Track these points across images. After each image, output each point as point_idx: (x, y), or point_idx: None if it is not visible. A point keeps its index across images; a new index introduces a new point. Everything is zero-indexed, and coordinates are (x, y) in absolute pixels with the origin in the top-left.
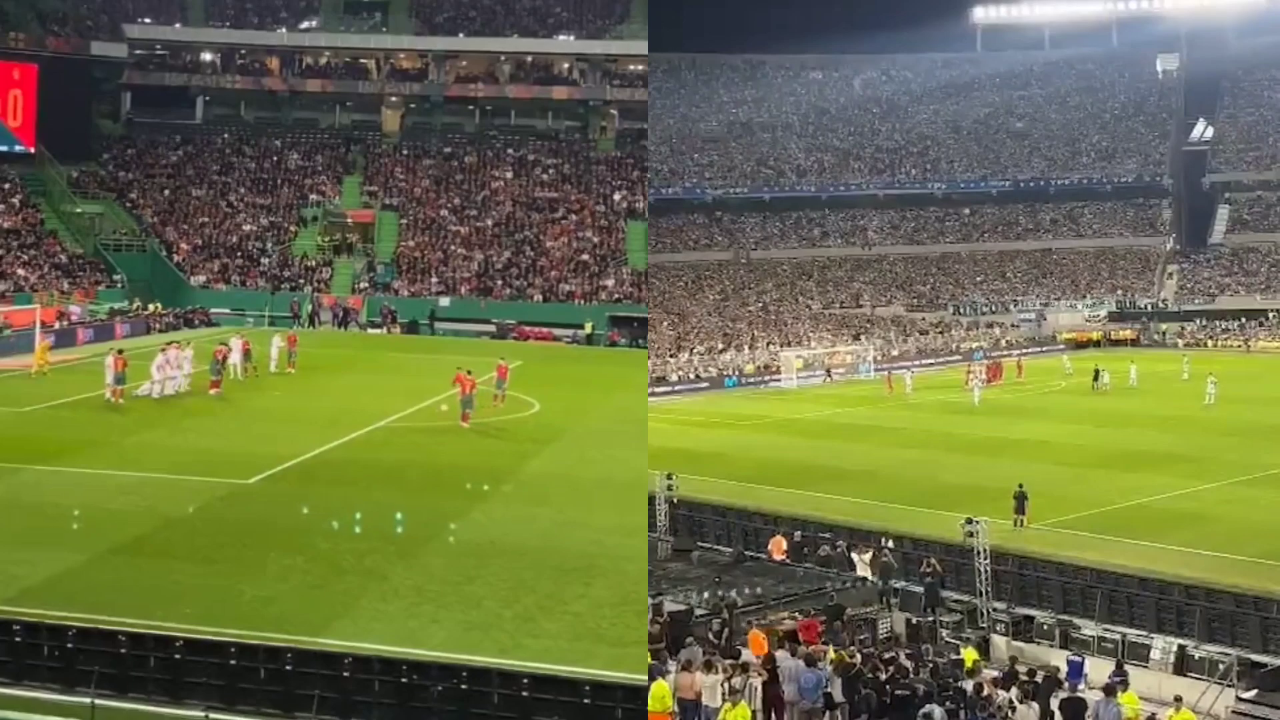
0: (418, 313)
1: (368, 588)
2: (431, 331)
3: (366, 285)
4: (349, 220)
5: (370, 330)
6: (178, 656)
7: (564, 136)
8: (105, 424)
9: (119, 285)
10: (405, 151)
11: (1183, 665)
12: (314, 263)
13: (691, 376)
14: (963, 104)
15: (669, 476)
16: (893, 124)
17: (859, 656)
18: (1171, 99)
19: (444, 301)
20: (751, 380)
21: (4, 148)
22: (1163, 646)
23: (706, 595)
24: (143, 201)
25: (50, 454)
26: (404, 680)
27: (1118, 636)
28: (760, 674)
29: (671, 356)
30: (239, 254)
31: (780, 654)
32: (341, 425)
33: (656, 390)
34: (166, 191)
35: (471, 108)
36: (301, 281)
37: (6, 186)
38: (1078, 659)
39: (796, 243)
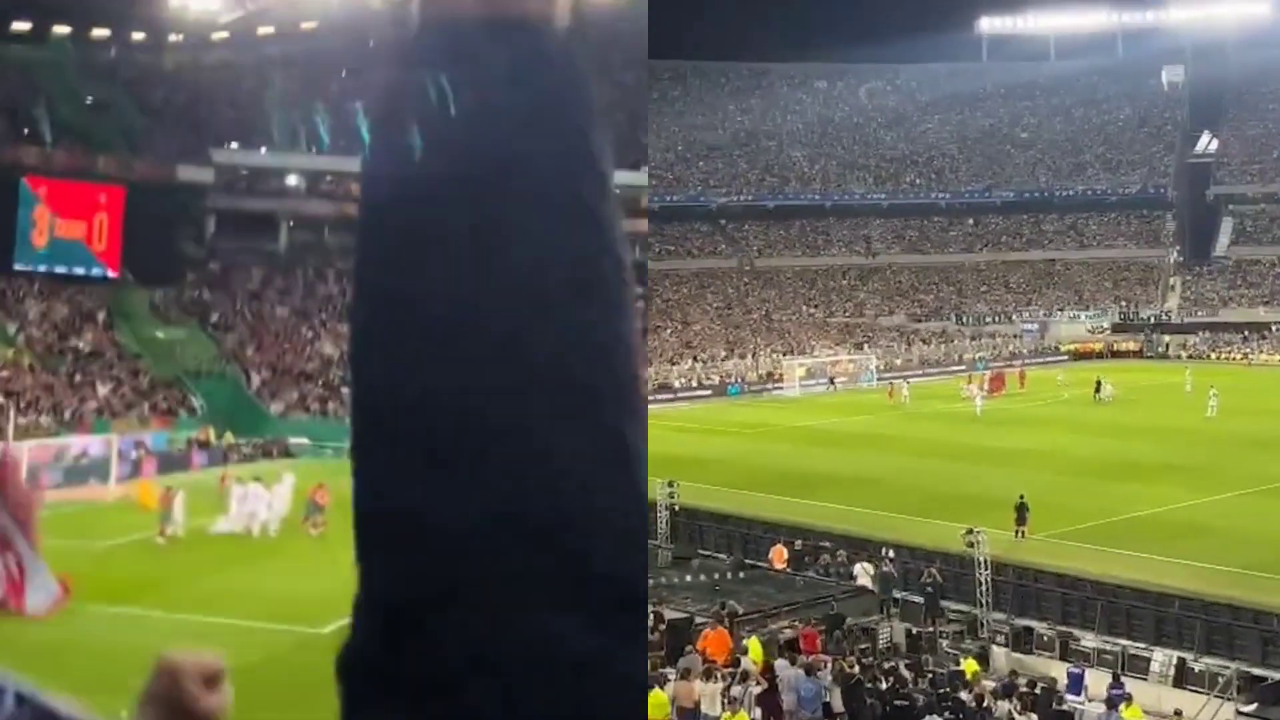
0: None
1: None
2: None
3: None
4: None
5: None
6: None
7: None
8: (178, 562)
9: (197, 412)
10: None
11: (1182, 678)
12: None
13: (694, 384)
14: (967, 114)
15: (670, 484)
16: (897, 133)
17: (858, 666)
18: (1176, 111)
19: None
20: (754, 388)
21: (89, 271)
22: (1162, 659)
23: (706, 604)
24: (224, 327)
25: (117, 593)
26: None
27: (1117, 649)
28: (760, 683)
29: (674, 364)
30: (319, 382)
31: (780, 663)
32: None
33: (659, 397)
34: (248, 316)
35: None
36: None
37: (89, 308)
38: (1077, 671)
39: (800, 251)
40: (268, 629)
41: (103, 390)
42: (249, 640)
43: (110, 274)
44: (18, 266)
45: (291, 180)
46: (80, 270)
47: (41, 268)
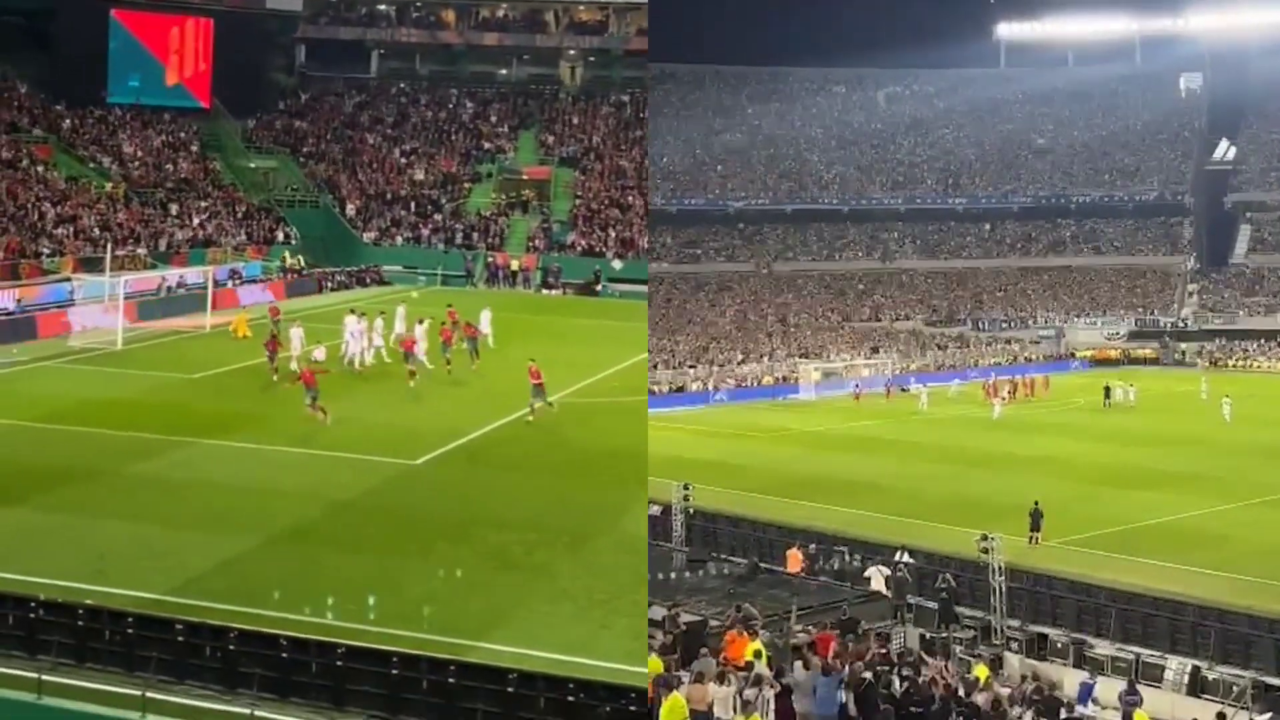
0: (588, 273)
1: (535, 587)
2: (602, 293)
3: (540, 243)
4: (524, 176)
5: (544, 291)
6: (340, 664)
7: None
8: (276, 395)
9: (291, 241)
10: (583, 106)
11: (1197, 686)
12: (487, 219)
13: (711, 387)
14: (986, 120)
15: (685, 487)
16: (915, 139)
17: (872, 671)
18: (1194, 118)
19: (616, 264)
20: (770, 391)
21: (181, 102)
22: (1177, 667)
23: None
24: (316, 156)
25: (218, 426)
26: (570, 699)
27: (1131, 656)
28: (774, 686)
29: (691, 367)
30: (411, 209)
31: (796, 665)
32: (513, 399)
33: (675, 400)
34: (340, 146)
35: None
36: (476, 238)
37: (183, 140)
38: (1090, 682)
39: (817, 255)
40: (366, 460)
41: (197, 221)
42: (347, 471)
43: (202, 105)
44: (111, 100)
45: (381, 7)
46: (172, 102)
47: (134, 101)
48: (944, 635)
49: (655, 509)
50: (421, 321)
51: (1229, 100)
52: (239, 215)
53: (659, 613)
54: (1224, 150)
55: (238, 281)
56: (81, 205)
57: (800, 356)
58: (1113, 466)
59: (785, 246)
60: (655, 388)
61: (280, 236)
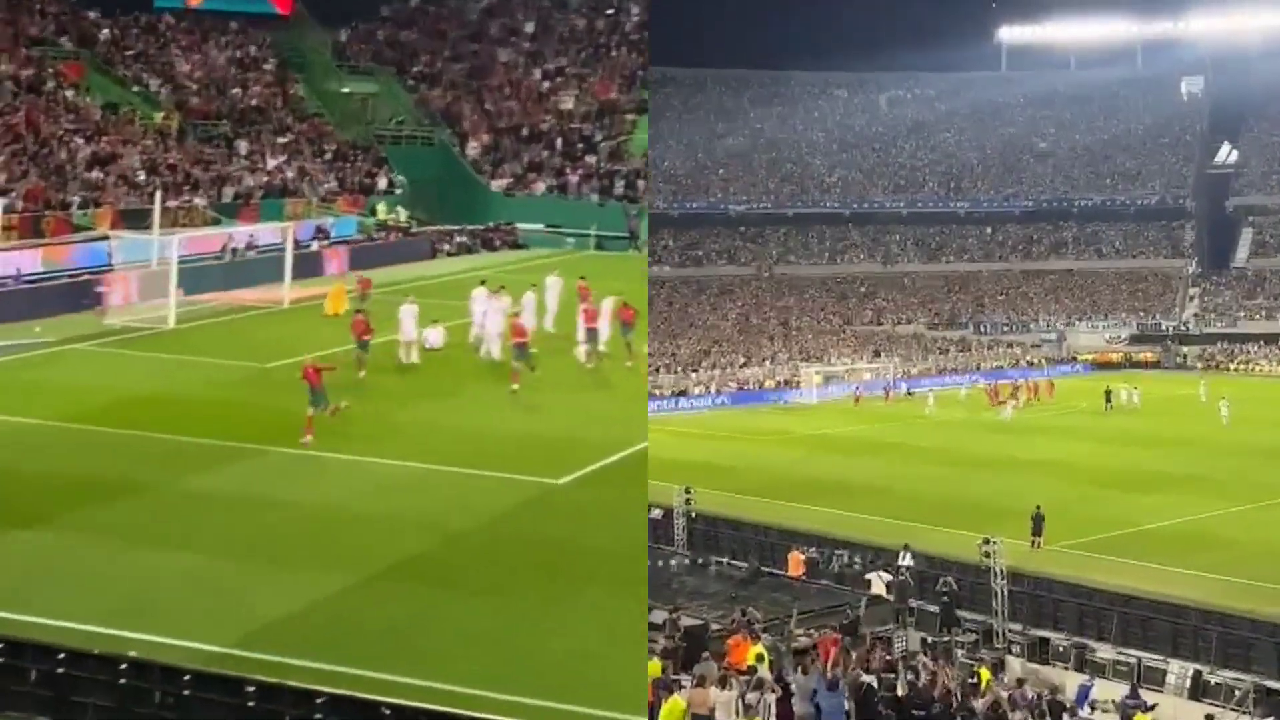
0: None
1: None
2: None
3: None
4: None
5: None
6: None
7: None
8: (375, 393)
9: (395, 191)
10: None
11: (1198, 690)
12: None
13: (713, 390)
14: (987, 123)
15: (687, 490)
16: (917, 142)
17: (874, 676)
18: (1195, 122)
19: None
20: (772, 395)
21: (252, 7)
22: (1178, 671)
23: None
24: (429, 78)
25: (298, 431)
26: None
27: (1133, 660)
28: (775, 690)
29: (693, 370)
30: (556, 149)
31: (797, 670)
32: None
33: (678, 403)
34: (461, 65)
35: None
36: (642, 187)
37: (255, 56)
38: (1088, 684)
39: (819, 259)
40: (494, 478)
41: (273, 163)
42: (470, 491)
43: (279, 11)
44: (160, 4)
45: None
46: (241, 8)
47: (193, 6)
48: (946, 639)
49: (656, 512)
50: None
51: (1230, 104)
52: (327, 156)
53: (660, 616)
54: (1225, 154)
55: (325, 242)
56: (123, 141)
57: (802, 360)
58: (1114, 469)
59: (787, 250)
60: (657, 391)
61: (381, 184)
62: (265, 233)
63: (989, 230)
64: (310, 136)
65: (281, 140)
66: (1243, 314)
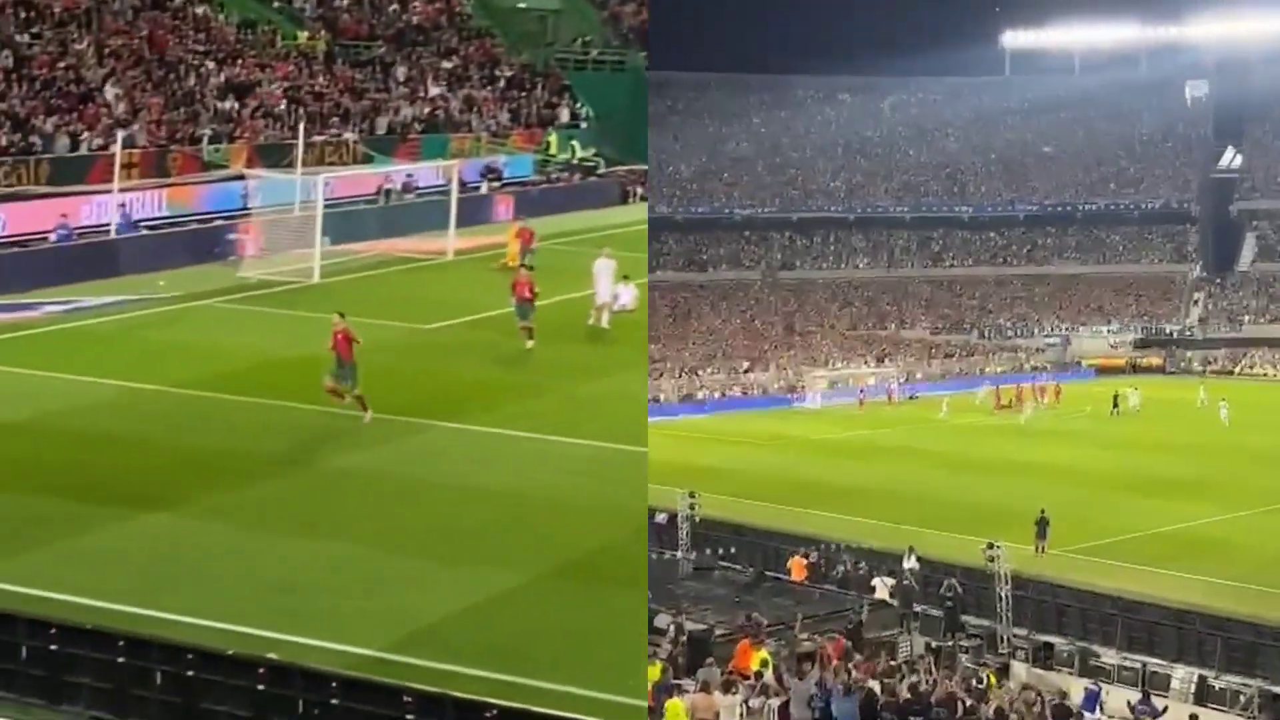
0: None
1: None
2: None
3: None
4: None
5: None
6: None
7: None
8: (556, 358)
9: (580, 124)
10: None
11: (1203, 696)
12: None
13: (717, 394)
14: (991, 128)
15: (691, 495)
16: (921, 146)
17: (877, 681)
18: (1200, 126)
19: None
20: (777, 399)
21: None
22: (1183, 676)
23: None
24: None
25: (465, 402)
26: None
27: (1138, 665)
28: (779, 694)
29: (697, 374)
30: None
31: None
32: None
33: (681, 408)
34: None
35: None
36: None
37: None
38: (1095, 689)
39: (823, 263)
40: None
41: (435, 91)
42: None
43: None
44: None
45: None
46: None
47: None
48: (950, 644)
49: (661, 516)
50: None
51: (1235, 108)
52: (499, 83)
53: (664, 621)
54: (1230, 158)
55: (495, 184)
56: (261, 66)
57: (806, 364)
58: (1119, 474)
59: (791, 254)
60: (661, 395)
61: (564, 116)
62: (425, 173)
63: (993, 235)
64: (479, 60)
65: (445, 65)
66: (1247, 318)
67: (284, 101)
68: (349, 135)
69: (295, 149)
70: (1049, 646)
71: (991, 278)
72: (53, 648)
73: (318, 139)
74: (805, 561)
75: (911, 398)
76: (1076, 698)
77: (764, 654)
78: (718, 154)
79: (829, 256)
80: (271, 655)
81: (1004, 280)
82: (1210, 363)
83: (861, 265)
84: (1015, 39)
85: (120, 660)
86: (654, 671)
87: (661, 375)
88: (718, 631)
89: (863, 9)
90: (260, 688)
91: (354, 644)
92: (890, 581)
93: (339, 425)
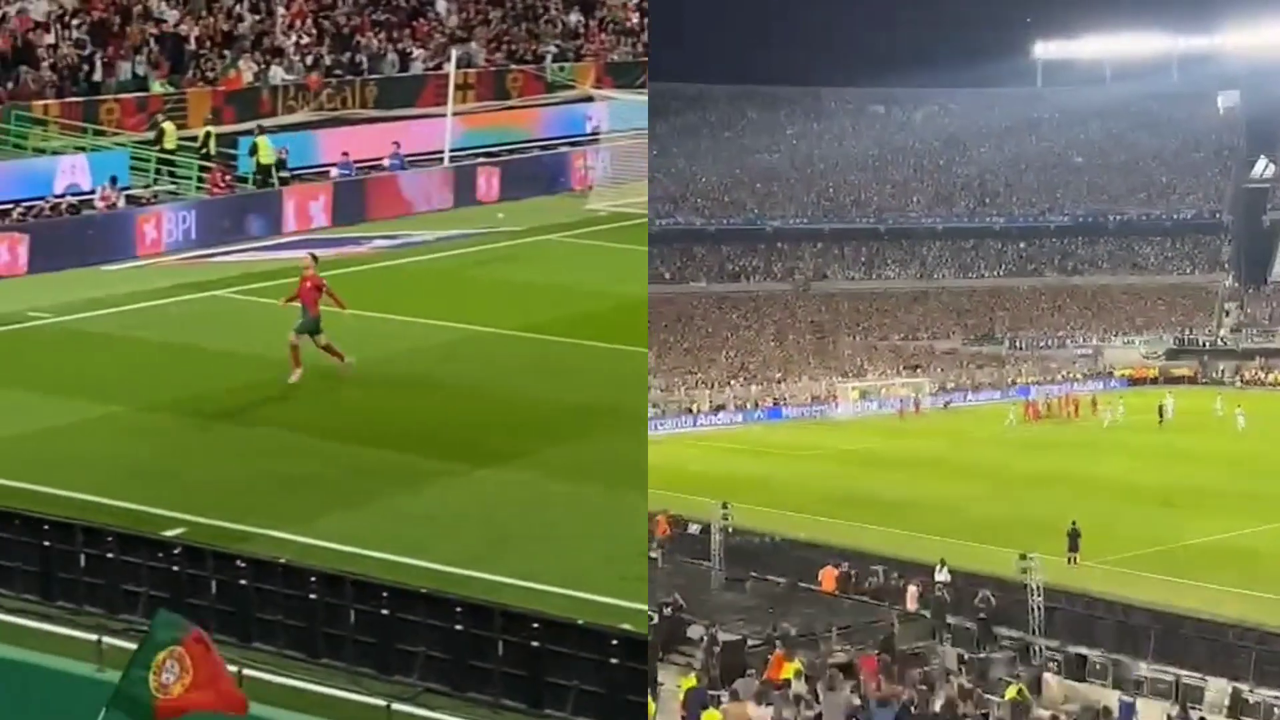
0: None
1: None
2: None
3: None
4: None
5: None
6: None
7: None
8: None
9: None
10: None
11: (1237, 709)
12: None
13: (749, 405)
14: (1022, 138)
15: (724, 505)
16: (952, 158)
17: (908, 692)
18: (1232, 136)
19: None
20: (809, 410)
21: None
22: (1217, 689)
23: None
24: None
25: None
26: None
27: (1171, 677)
28: (811, 707)
29: (729, 386)
30: None
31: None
32: None
33: (714, 419)
34: None
35: None
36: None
37: None
38: (1129, 700)
39: (855, 274)
40: None
41: None
42: None
43: None
44: None
45: None
46: None
47: None
48: (982, 656)
49: (694, 527)
50: None
51: (1267, 117)
52: None
53: (697, 631)
54: (1262, 168)
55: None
56: None
57: (838, 375)
58: (1151, 485)
59: (823, 265)
60: (694, 406)
61: None
62: None
63: (1024, 245)
64: None
65: None
66: None
67: (634, 15)
68: None
69: (647, 68)
70: (1082, 658)
71: (1023, 288)
72: (383, 612)
73: None
74: (837, 572)
75: (946, 405)
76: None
77: (797, 665)
78: (751, 166)
79: (861, 267)
80: (625, 626)
81: (1036, 291)
82: (1242, 372)
83: (893, 276)
84: (1047, 50)
85: (458, 628)
86: (688, 682)
87: (694, 386)
88: (751, 642)
89: (895, 22)
90: (613, 660)
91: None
92: (914, 590)
93: None
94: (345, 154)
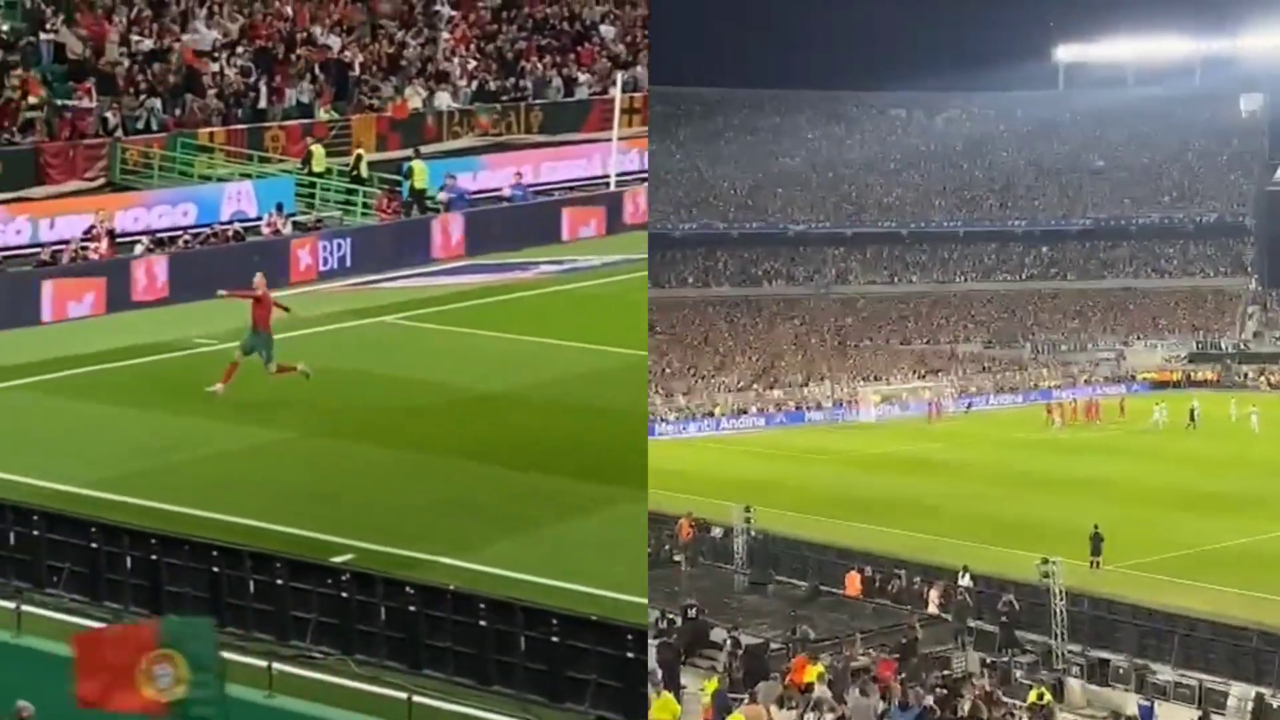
0: None
1: None
2: None
3: None
4: None
5: None
6: None
7: None
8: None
9: None
10: None
11: (1260, 714)
12: None
13: (770, 409)
14: (1044, 142)
15: (746, 509)
16: (974, 161)
17: (931, 696)
18: (1255, 139)
19: None
20: (831, 414)
21: None
22: (1239, 694)
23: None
24: None
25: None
26: None
27: (1194, 682)
28: (833, 710)
29: (752, 388)
30: None
31: (855, 693)
32: None
33: (737, 423)
34: None
35: None
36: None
37: None
38: (1146, 703)
39: (877, 278)
40: None
41: None
42: None
43: None
44: None
45: None
46: None
47: None
48: (1005, 660)
49: (717, 530)
50: None
51: None
52: None
53: (720, 634)
54: None
55: None
56: None
57: (860, 379)
58: (1174, 489)
59: (844, 269)
60: (716, 410)
61: None
62: None
63: (1046, 249)
64: None
65: None
66: None
67: None
68: None
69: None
70: (1104, 663)
71: (1045, 291)
72: (553, 639)
73: None
74: (860, 576)
75: (968, 409)
76: (1131, 712)
77: (819, 668)
78: (772, 169)
79: (882, 271)
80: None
81: (1058, 294)
82: (1266, 376)
83: (915, 279)
84: (1068, 53)
85: (629, 656)
86: (711, 685)
87: (717, 390)
88: (774, 645)
89: (916, 25)
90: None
91: None
92: (935, 595)
93: None
94: (519, 175)
